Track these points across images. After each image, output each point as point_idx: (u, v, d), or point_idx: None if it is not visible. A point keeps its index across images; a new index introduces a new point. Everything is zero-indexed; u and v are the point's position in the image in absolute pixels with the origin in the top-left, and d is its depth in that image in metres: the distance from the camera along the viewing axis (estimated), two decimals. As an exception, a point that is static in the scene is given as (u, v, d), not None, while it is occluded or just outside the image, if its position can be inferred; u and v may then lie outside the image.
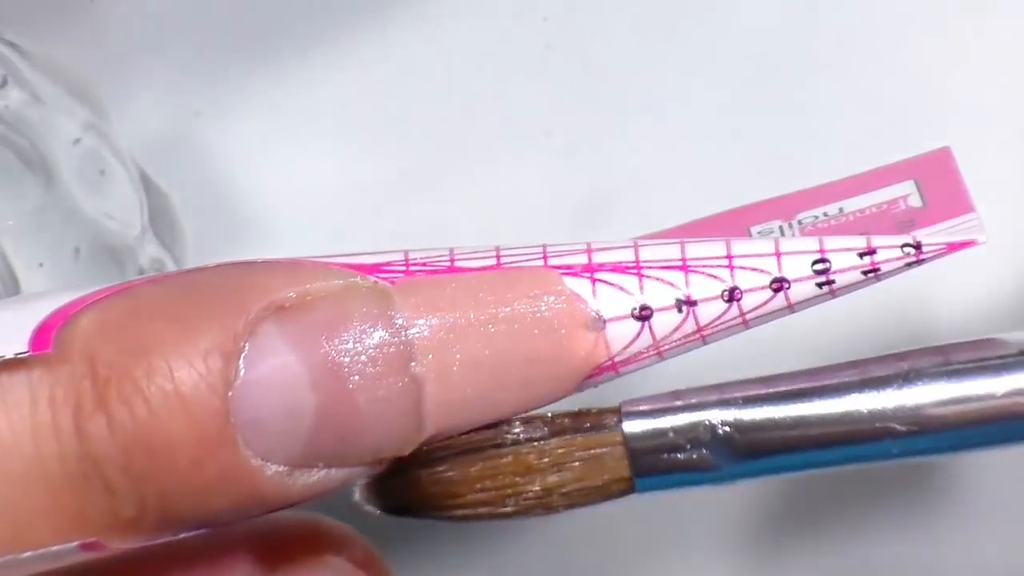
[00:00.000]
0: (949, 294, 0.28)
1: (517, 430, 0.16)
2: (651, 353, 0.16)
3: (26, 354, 0.14)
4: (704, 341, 0.16)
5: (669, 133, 0.29)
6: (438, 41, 0.29)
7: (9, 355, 0.14)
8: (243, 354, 0.15)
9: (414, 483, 0.16)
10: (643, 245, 0.16)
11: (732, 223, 0.17)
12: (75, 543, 0.15)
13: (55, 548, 0.15)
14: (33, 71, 0.23)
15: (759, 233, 0.17)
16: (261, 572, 0.17)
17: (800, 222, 0.17)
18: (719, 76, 0.29)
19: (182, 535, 0.16)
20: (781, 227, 0.17)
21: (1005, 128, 0.29)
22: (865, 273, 0.16)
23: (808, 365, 0.27)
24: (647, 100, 0.29)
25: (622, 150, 0.29)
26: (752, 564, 0.27)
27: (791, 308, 0.16)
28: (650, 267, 0.16)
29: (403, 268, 0.16)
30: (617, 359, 0.16)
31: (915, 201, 0.17)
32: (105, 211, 0.23)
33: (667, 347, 0.16)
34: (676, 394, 0.16)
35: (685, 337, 0.16)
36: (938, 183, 0.17)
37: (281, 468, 0.15)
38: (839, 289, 0.16)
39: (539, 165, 0.29)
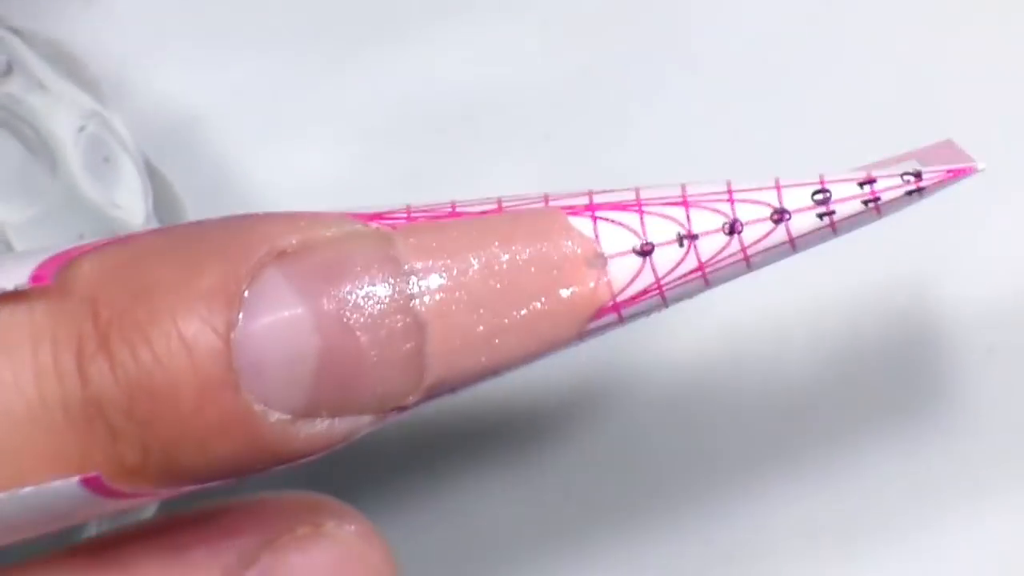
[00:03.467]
0: (950, 297, 0.28)
1: None
2: (653, 293, 0.16)
3: (26, 286, 0.14)
4: (707, 282, 0.16)
5: (669, 133, 0.29)
6: (438, 41, 0.30)
7: (9, 287, 0.14)
8: (245, 297, 0.15)
9: None
10: (644, 187, 0.16)
11: None
12: (76, 478, 0.15)
13: (56, 484, 0.15)
14: (37, 58, 0.23)
15: None
16: (262, 543, 0.17)
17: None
18: (719, 77, 0.29)
19: (187, 489, 0.16)
20: None
21: (1009, 129, 0.29)
22: (866, 203, 0.16)
23: (809, 366, 0.28)
24: (647, 100, 0.29)
25: (622, 150, 0.29)
26: (739, 501, 0.27)
27: (792, 244, 0.16)
28: (651, 204, 0.16)
29: (404, 216, 0.16)
30: (619, 298, 0.16)
31: (915, 167, 0.17)
32: (110, 198, 0.23)
33: (669, 286, 0.16)
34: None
35: (687, 274, 0.16)
36: (941, 161, 0.17)
37: (284, 416, 0.15)
38: (840, 221, 0.16)
39: (537, 168, 0.29)
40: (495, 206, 0.16)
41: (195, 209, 0.27)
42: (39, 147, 0.22)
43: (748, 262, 0.16)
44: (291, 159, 0.29)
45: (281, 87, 0.29)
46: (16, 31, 0.23)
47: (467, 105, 0.29)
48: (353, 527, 0.18)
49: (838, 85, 0.29)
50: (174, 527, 0.17)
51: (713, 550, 0.27)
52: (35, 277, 0.14)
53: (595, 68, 0.30)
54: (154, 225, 0.24)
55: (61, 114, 0.23)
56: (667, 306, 0.16)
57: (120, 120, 0.24)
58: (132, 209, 0.24)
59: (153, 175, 0.25)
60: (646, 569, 0.27)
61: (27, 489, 0.14)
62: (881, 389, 0.28)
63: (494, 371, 0.16)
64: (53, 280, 0.14)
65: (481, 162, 0.29)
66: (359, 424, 0.16)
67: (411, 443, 0.28)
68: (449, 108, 0.29)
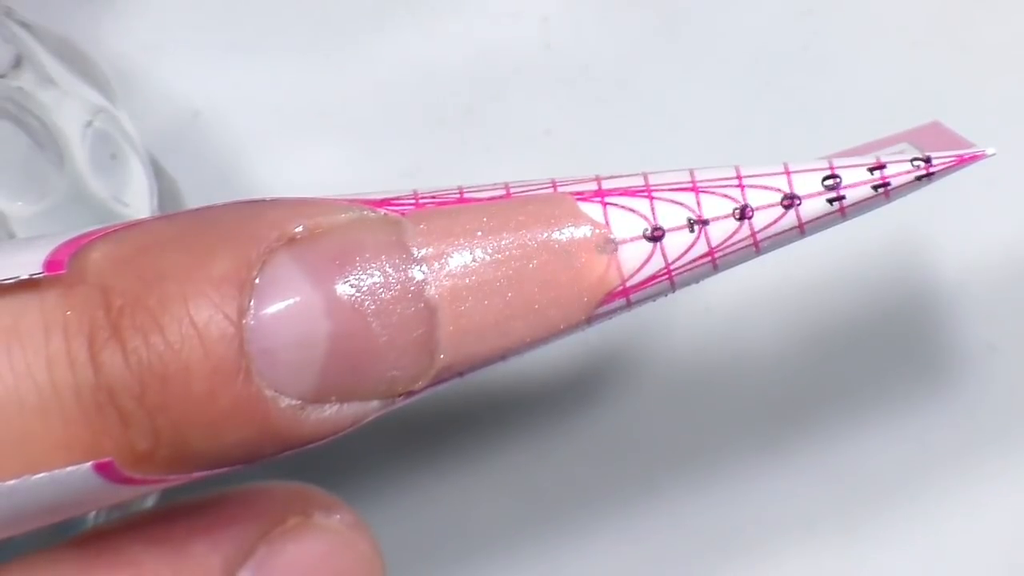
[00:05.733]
0: (952, 294, 0.28)
1: None
2: (663, 278, 0.16)
3: (40, 275, 0.14)
4: (715, 266, 0.16)
5: (669, 133, 0.29)
6: (438, 41, 0.30)
7: (24, 275, 0.14)
8: (256, 283, 0.15)
9: None
10: (653, 172, 0.16)
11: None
12: (88, 464, 0.15)
13: (69, 470, 0.15)
14: (46, 52, 0.23)
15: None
16: (257, 534, 0.17)
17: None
18: (719, 75, 0.29)
19: (196, 475, 0.16)
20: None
21: (1008, 128, 0.29)
22: (875, 188, 0.16)
23: (810, 360, 0.28)
24: (647, 99, 0.29)
25: (622, 150, 0.29)
26: (738, 489, 0.27)
27: (801, 229, 0.16)
28: (661, 190, 0.16)
29: (413, 202, 0.16)
30: (629, 283, 0.16)
31: (913, 153, 0.17)
32: (115, 195, 0.23)
33: (678, 271, 0.16)
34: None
35: (696, 259, 0.16)
36: (932, 141, 0.17)
37: (294, 402, 0.15)
38: (850, 207, 0.16)
39: (539, 165, 0.29)
40: (503, 192, 0.16)
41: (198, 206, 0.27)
42: (47, 141, 0.22)
43: (758, 247, 0.16)
44: (294, 155, 0.29)
45: (283, 84, 0.29)
46: (26, 25, 0.23)
47: (468, 101, 0.30)
48: (339, 516, 0.18)
49: (839, 80, 0.29)
50: (173, 519, 0.17)
51: (712, 538, 0.27)
52: (49, 265, 0.14)
53: (596, 64, 0.30)
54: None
55: (69, 109, 0.23)
56: (674, 290, 0.16)
57: (127, 117, 0.24)
58: (138, 207, 0.24)
59: (159, 173, 0.25)
60: (644, 558, 0.27)
61: (40, 475, 0.14)
62: (882, 384, 0.28)
63: (503, 356, 0.16)
64: (67, 268, 0.15)
65: (482, 158, 0.29)
66: (367, 409, 0.16)
67: (402, 428, 0.28)
68: (450, 104, 0.30)
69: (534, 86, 0.30)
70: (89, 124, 0.23)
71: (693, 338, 0.28)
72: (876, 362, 0.28)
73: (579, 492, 0.28)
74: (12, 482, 0.14)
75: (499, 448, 0.28)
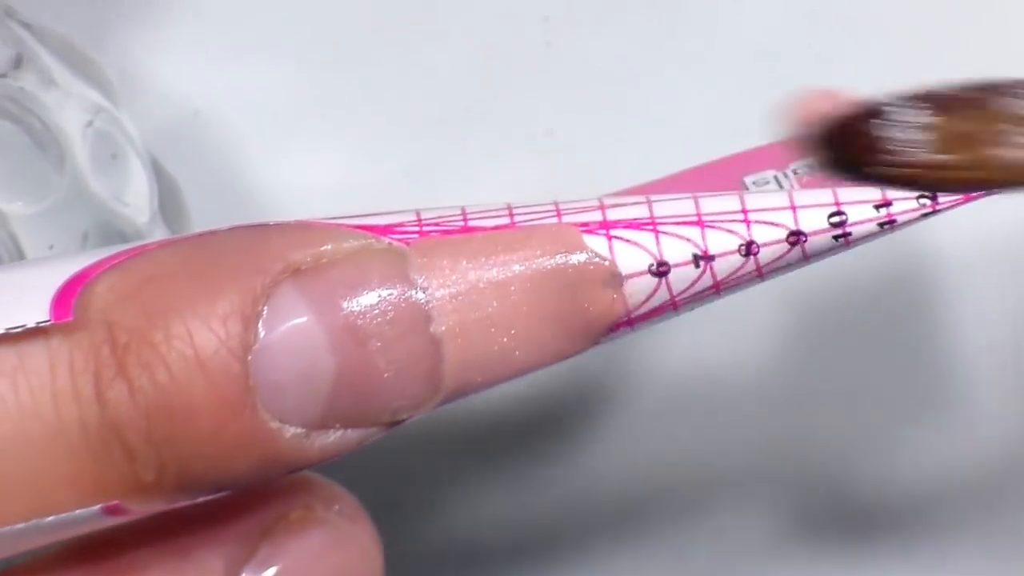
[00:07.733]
0: (951, 293, 0.28)
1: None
2: (667, 308, 0.16)
3: (48, 323, 0.14)
4: (719, 295, 0.16)
5: (669, 133, 0.29)
6: (438, 41, 0.30)
7: (31, 324, 0.14)
8: (261, 317, 0.15)
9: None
10: (657, 201, 0.16)
11: (725, 172, 0.17)
12: (98, 507, 0.15)
13: (78, 512, 0.15)
14: (47, 53, 0.23)
15: (754, 183, 0.17)
16: (259, 531, 0.17)
17: (796, 172, 0.17)
18: (719, 76, 0.29)
19: (200, 499, 0.16)
20: (776, 177, 0.17)
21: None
22: (881, 225, 0.16)
23: (810, 365, 0.28)
24: (647, 100, 0.29)
25: (622, 150, 0.29)
26: (740, 503, 0.27)
27: (807, 260, 0.16)
28: (666, 223, 0.16)
29: (416, 229, 0.16)
30: (634, 315, 0.16)
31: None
32: (116, 195, 0.23)
33: (683, 302, 0.16)
34: None
35: (701, 291, 0.16)
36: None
37: (299, 430, 0.15)
38: (855, 241, 0.16)
39: (539, 165, 0.29)
40: (506, 216, 0.16)
41: (199, 207, 0.27)
42: (47, 141, 0.22)
43: (762, 277, 0.16)
44: (294, 155, 0.29)
45: (283, 84, 0.29)
46: (27, 25, 0.23)
47: (468, 100, 0.29)
48: (339, 507, 0.18)
49: (839, 80, 0.29)
50: (175, 519, 0.17)
51: (714, 553, 0.27)
52: (56, 310, 0.14)
53: (596, 64, 0.30)
54: (159, 223, 0.24)
55: (70, 109, 0.23)
56: (679, 315, 0.16)
57: (128, 117, 0.24)
58: (138, 207, 0.24)
59: (159, 173, 0.25)
60: (646, 564, 0.28)
61: (51, 519, 0.15)
62: (882, 384, 0.28)
63: (506, 380, 0.16)
64: (73, 313, 0.14)
65: (482, 158, 0.29)
66: (371, 433, 0.16)
67: (401, 432, 0.28)
68: (451, 103, 0.29)
69: (534, 86, 0.29)
70: (90, 124, 0.23)
71: (692, 343, 0.28)
72: (876, 362, 0.28)
73: (579, 496, 0.28)
74: (21, 526, 0.15)
75: (498, 449, 0.28)
